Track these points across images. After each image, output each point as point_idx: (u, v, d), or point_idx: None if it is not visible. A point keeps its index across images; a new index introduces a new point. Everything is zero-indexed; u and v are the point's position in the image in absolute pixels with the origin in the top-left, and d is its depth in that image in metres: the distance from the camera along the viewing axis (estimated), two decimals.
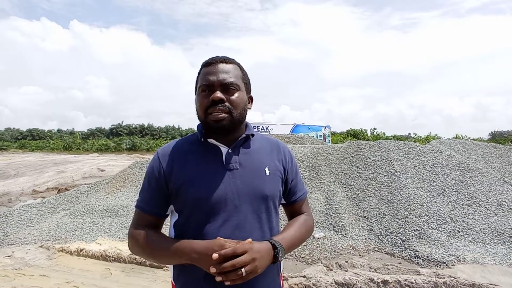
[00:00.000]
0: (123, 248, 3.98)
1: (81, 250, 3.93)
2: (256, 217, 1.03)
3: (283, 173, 1.12)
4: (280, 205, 1.19)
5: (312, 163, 5.89)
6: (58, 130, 54.35)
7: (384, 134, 28.40)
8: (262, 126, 16.30)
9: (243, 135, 1.08)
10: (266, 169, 1.07)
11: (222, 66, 1.03)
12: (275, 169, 1.10)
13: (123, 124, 47.88)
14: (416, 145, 6.11)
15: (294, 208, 1.20)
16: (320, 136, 17.13)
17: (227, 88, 1.01)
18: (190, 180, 1.01)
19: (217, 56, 1.07)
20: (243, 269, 0.85)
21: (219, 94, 0.99)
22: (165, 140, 40.07)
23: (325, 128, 17.99)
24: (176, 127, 51.24)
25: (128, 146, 31.72)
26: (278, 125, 17.20)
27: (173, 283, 1.09)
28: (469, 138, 21.81)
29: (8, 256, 3.95)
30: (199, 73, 1.08)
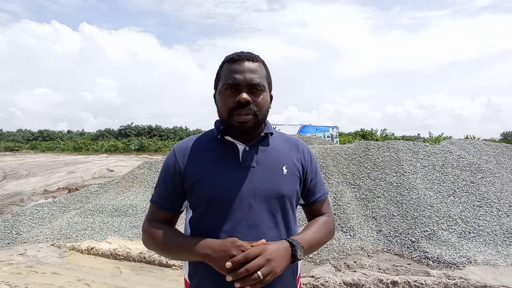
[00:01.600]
0: (132, 247, 4.02)
1: (91, 249, 3.99)
2: (272, 216, 1.00)
3: (301, 172, 1.09)
4: (299, 206, 1.17)
5: (320, 163, 5.87)
6: (68, 131, 55.12)
7: (393, 134, 28.12)
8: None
9: (262, 134, 1.05)
10: (284, 168, 1.04)
11: (249, 64, 0.99)
12: (293, 168, 1.07)
13: (132, 125, 48.33)
14: (425, 146, 6.04)
15: (313, 209, 1.17)
16: (328, 136, 17.03)
17: (254, 89, 0.98)
18: (205, 177, 0.99)
19: (242, 52, 1.02)
20: (259, 272, 0.83)
21: (246, 96, 0.96)
22: (173, 141, 40.32)
23: (332, 128, 17.88)
24: (184, 128, 51.53)
25: (136, 147, 31.98)
26: (286, 125, 17.16)
27: (187, 280, 1.06)
28: (479, 138, 21.46)
29: (21, 254, 4.03)
30: (221, 68, 1.04)
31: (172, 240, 0.99)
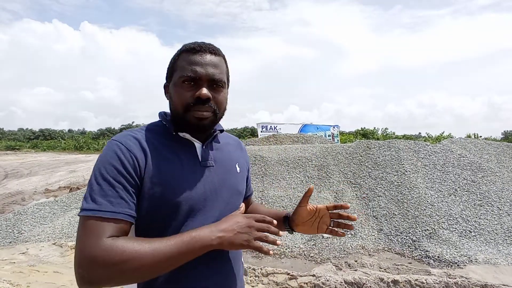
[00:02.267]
0: None
1: None
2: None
3: (246, 170, 1.15)
4: None
5: (321, 162, 5.87)
6: (69, 130, 55.22)
7: (394, 133, 28.09)
8: (271, 126, 16.27)
9: (217, 131, 1.00)
10: (237, 165, 1.05)
11: (211, 57, 0.91)
12: (243, 166, 1.10)
13: (133, 124, 48.38)
14: (426, 145, 6.04)
15: (248, 202, 1.25)
16: (329, 135, 17.03)
17: (214, 84, 0.90)
18: (166, 180, 0.86)
19: (203, 43, 0.93)
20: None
21: (207, 92, 0.88)
22: None
23: (333, 127, 17.87)
24: None
25: None
26: (287, 124, 17.15)
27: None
28: (481, 137, 21.40)
29: (23, 253, 4.04)
30: (177, 56, 0.93)
31: (160, 247, 0.76)
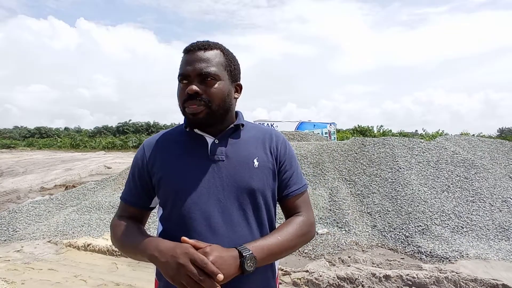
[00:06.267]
0: None
1: (88, 245, 4.01)
2: (242, 212, 0.95)
3: (275, 164, 1.03)
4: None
5: (316, 159, 5.91)
6: (65, 128, 54.92)
7: (391, 131, 28.21)
8: (268, 123, 16.31)
9: (232, 125, 1.01)
10: (255, 160, 0.99)
11: (201, 54, 0.94)
12: (265, 161, 1.01)
13: (130, 122, 48.23)
14: (420, 142, 6.09)
15: (287, 204, 1.05)
16: (326, 133, 17.07)
17: (204, 79, 0.93)
18: (171, 171, 0.97)
19: (197, 42, 0.98)
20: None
21: (194, 87, 0.92)
22: None
23: (330, 125, 17.91)
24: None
25: (134, 144, 31.95)
26: (284, 122, 17.20)
27: (156, 279, 1.02)
28: (474, 134, 21.56)
29: (18, 251, 4.05)
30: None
31: (129, 237, 0.95)
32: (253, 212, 0.97)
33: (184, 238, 0.84)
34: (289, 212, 1.05)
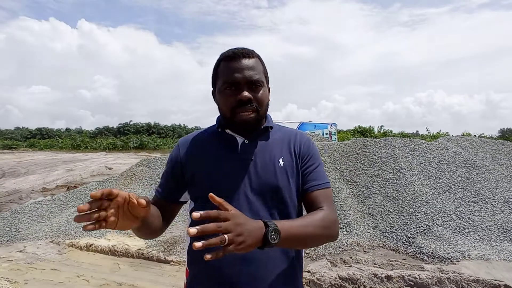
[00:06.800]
0: (131, 243, 4.06)
1: (90, 245, 4.03)
2: (268, 209, 1.00)
3: (298, 162, 1.07)
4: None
5: None
6: (67, 129, 55.01)
7: (391, 131, 28.15)
8: None
9: (262, 127, 1.07)
10: (280, 160, 1.04)
11: (246, 61, 1.00)
12: (290, 160, 1.06)
13: (131, 123, 48.27)
14: (422, 142, 6.09)
15: (309, 198, 1.04)
16: (326, 133, 17.05)
17: (253, 85, 0.99)
18: (203, 169, 1.04)
19: (237, 49, 1.02)
20: (226, 236, 0.70)
21: (247, 94, 0.97)
22: (172, 138, 40.32)
23: (331, 125, 17.87)
24: (183, 125, 51.58)
25: (135, 145, 31.98)
26: (284, 122, 17.19)
27: (188, 269, 1.09)
28: (475, 135, 21.53)
29: (20, 251, 4.06)
30: (217, 66, 1.04)
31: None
32: (278, 209, 1.02)
33: (211, 194, 0.76)
34: (311, 208, 1.04)
